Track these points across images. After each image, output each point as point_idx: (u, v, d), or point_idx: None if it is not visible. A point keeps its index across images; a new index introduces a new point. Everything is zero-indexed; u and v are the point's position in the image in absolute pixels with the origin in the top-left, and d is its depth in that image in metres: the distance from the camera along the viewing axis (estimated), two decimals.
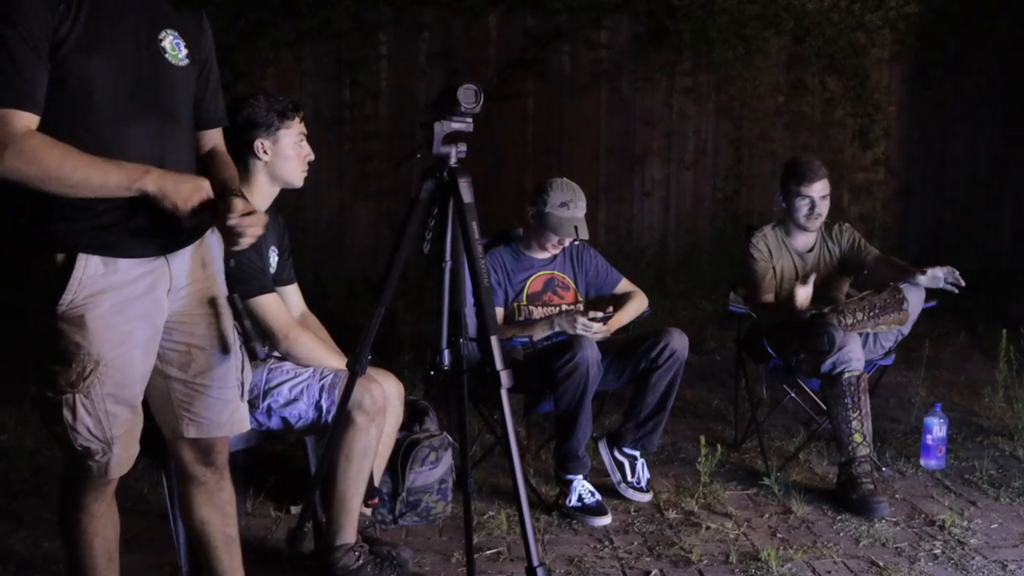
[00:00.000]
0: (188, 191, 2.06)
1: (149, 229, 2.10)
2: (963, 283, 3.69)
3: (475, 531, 3.33)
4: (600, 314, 3.64)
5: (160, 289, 2.16)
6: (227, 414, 2.33)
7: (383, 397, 2.91)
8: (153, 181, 2.03)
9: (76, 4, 2.00)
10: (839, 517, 3.50)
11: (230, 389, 2.33)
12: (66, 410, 2.09)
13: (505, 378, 2.44)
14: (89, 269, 2.05)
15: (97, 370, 2.08)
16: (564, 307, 3.78)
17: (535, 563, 2.45)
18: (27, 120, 1.95)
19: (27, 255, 2.07)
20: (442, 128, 2.48)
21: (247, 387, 2.40)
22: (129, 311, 2.10)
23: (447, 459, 3.49)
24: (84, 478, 2.21)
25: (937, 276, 3.69)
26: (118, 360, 2.10)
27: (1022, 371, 4.70)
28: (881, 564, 3.12)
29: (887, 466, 3.97)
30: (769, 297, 3.97)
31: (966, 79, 7.89)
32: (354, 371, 2.60)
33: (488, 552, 3.19)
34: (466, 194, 2.46)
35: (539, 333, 3.64)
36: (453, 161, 2.49)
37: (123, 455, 2.19)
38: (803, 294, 3.79)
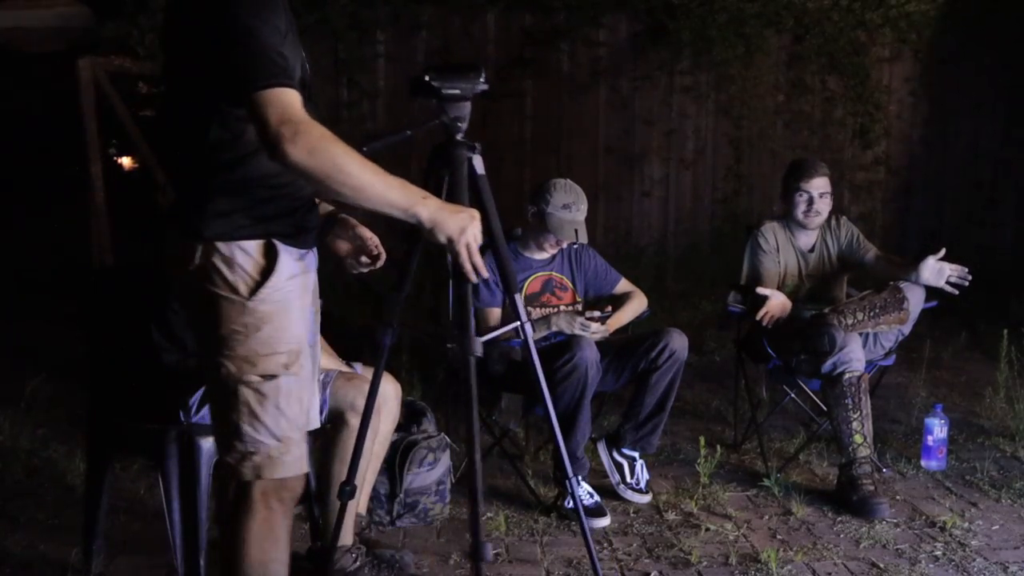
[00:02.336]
0: (463, 222, 2.07)
1: (313, 221, 2.14)
2: (967, 283, 3.68)
3: None
4: (598, 314, 3.63)
5: (315, 279, 2.22)
6: (313, 406, 2.34)
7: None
8: (428, 210, 2.03)
9: (286, 8, 2.04)
10: (839, 518, 3.49)
11: (314, 383, 2.35)
12: (282, 396, 2.06)
13: (529, 329, 2.45)
14: (289, 257, 2.07)
15: (302, 351, 2.09)
16: (562, 308, 3.77)
17: (570, 474, 2.56)
18: (300, 100, 1.95)
19: (225, 243, 2.03)
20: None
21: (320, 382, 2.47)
22: (307, 298, 2.14)
23: (445, 460, 3.47)
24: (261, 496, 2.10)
25: (943, 271, 3.67)
26: (309, 344, 2.13)
27: (1023, 371, 4.69)
28: (882, 566, 3.10)
29: (888, 467, 3.95)
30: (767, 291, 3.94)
31: (967, 78, 7.87)
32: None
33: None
34: (479, 165, 2.40)
35: (537, 333, 3.62)
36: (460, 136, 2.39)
37: (301, 451, 2.14)
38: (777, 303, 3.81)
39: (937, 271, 3.67)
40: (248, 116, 1.94)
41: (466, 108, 2.35)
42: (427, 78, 2.31)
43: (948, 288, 3.69)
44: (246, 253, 2.03)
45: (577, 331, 3.55)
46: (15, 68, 8.39)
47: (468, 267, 2.12)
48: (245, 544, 2.10)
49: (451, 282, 2.42)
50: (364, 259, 2.56)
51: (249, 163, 2.03)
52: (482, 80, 2.35)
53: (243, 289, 2.03)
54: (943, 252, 3.70)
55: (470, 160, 2.37)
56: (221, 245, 2.03)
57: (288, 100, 1.92)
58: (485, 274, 2.18)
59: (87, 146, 5.58)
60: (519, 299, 2.47)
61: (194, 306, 2.11)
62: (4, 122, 9.42)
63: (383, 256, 2.52)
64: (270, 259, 2.04)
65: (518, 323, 2.46)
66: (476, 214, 2.12)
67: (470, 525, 2.27)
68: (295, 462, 2.11)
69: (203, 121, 2.03)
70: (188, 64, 2.05)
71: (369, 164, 1.96)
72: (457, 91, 2.33)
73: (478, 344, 2.31)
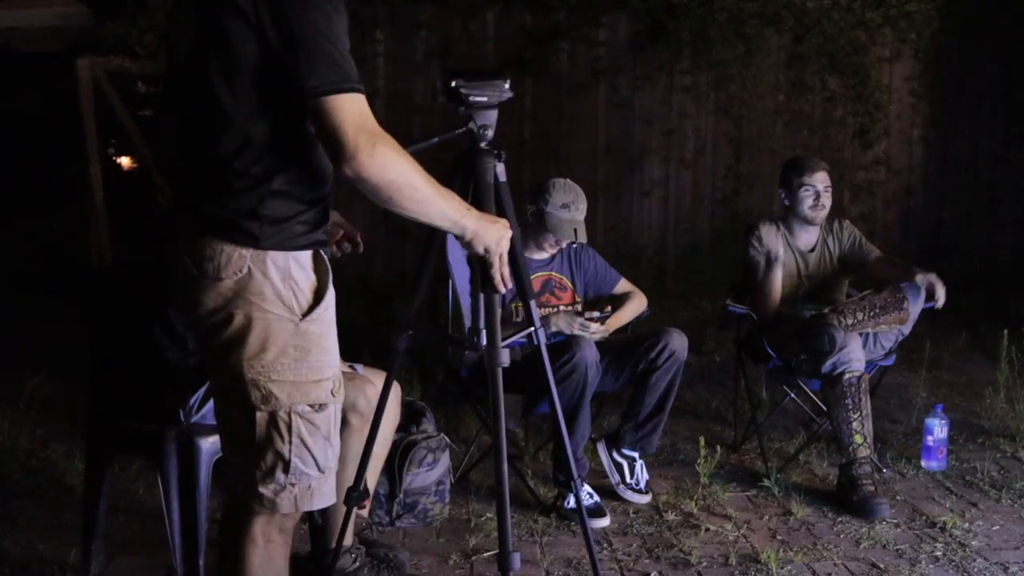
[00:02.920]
0: (499, 233, 2.08)
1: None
2: (939, 304, 3.70)
3: (473, 533, 3.32)
4: (597, 314, 3.62)
5: None
6: None
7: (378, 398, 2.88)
8: (472, 222, 2.02)
9: None
10: (839, 519, 3.48)
11: None
12: (332, 426, 1.96)
13: (542, 335, 2.49)
14: (329, 270, 1.97)
15: (339, 375, 2.00)
16: (562, 308, 3.76)
17: (575, 475, 2.64)
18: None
19: (282, 252, 1.88)
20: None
21: None
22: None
23: (444, 460, 3.46)
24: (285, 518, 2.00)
25: (932, 281, 3.70)
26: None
27: (1023, 371, 4.68)
28: (882, 566, 3.09)
29: (888, 467, 3.95)
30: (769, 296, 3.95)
31: (967, 77, 7.87)
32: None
33: (487, 554, 3.17)
34: (502, 173, 2.41)
35: None
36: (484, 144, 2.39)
37: (334, 480, 2.04)
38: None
39: (929, 284, 3.70)
40: (308, 115, 1.82)
41: (493, 116, 2.36)
42: (455, 84, 2.31)
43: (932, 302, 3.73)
44: (300, 266, 1.89)
45: (576, 331, 3.55)
46: (14, 68, 8.39)
47: (498, 278, 2.14)
48: None
49: (476, 290, 2.42)
50: (346, 246, 2.53)
51: (306, 163, 1.91)
52: (507, 87, 2.35)
53: (296, 307, 1.89)
54: (920, 273, 3.71)
55: (494, 168, 2.38)
56: (277, 255, 1.87)
57: (363, 107, 1.80)
58: (510, 284, 2.20)
59: (86, 146, 5.57)
60: (534, 305, 2.48)
61: (223, 320, 1.90)
62: (3, 122, 9.41)
63: (361, 244, 2.52)
64: (320, 273, 1.93)
65: (532, 328, 2.46)
66: (508, 225, 2.13)
67: (499, 535, 2.28)
68: (330, 492, 2.01)
69: (257, 118, 1.86)
70: (233, 55, 1.84)
71: (430, 177, 1.89)
72: (484, 99, 2.34)
73: (506, 355, 2.32)
